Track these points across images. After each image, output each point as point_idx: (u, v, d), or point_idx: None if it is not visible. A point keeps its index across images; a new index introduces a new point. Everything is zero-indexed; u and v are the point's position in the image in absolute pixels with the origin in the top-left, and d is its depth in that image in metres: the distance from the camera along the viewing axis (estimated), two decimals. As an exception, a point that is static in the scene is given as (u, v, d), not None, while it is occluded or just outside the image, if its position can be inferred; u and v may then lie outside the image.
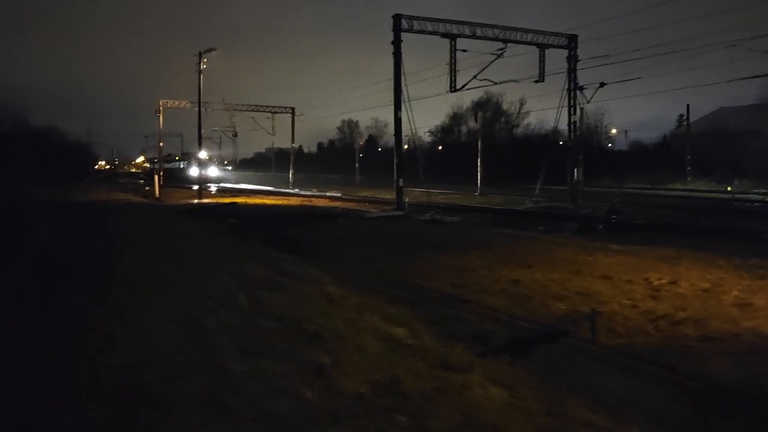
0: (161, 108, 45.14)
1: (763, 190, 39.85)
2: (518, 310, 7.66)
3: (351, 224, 17.98)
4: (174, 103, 44.76)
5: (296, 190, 40.88)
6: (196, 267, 7.80)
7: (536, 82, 23.30)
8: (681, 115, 76.09)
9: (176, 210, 21.70)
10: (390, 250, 13.41)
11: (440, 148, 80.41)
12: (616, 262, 10.99)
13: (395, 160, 20.90)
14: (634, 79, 21.69)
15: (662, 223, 17.73)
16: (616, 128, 72.87)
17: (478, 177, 32.68)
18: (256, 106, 47.59)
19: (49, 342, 4.56)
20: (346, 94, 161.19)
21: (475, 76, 22.15)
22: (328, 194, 35.07)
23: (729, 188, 42.75)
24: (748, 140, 46.12)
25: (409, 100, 19.71)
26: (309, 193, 37.02)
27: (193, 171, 49.44)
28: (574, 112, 23.63)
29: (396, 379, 4.01)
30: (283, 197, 32.37)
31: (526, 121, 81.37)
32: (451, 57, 21.36)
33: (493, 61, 21.81)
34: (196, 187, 38.38)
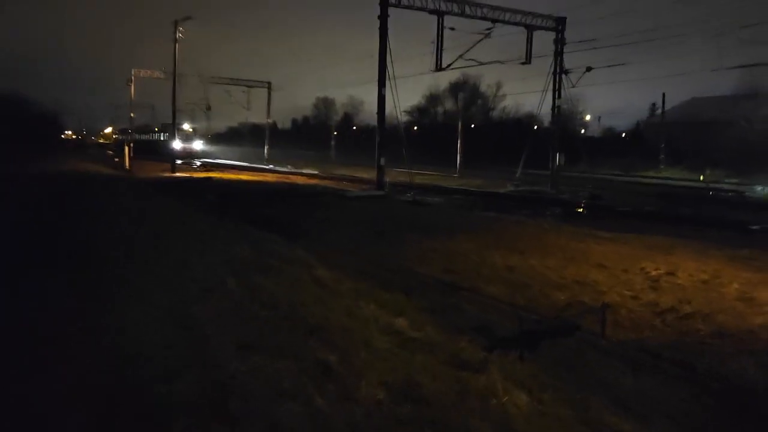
0: (133, 78, 43.57)
1: (734, 180, 40.55)
2: (518, 298, 7.35)
3: (333, 203, 17.52)
4: (147, 72, 43.25)
5: (271, 166, 40.09)
6: (179, 248, 7.29)
7: (522, 63, 22.95)
8: (653, 104, 76.77)
9: (149, 184, 20.90)
10: (375, 231, 13.02)
11: (415, 128, 79.90)
12: (608, 250, 10.79)
13: (377, 139, 20.40)
14: (620, 64, 21.54)
15: (645, 210, 17.68)
16: (589, 114, 73.33)
17: (458, 159, 32.36)
18: (231, 79, 46.36)
19: (23, 338, 4.06)
20: (322, 71, 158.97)
21: (461, 56, 21.68)
22: (304, 171, 34.43)
23: (702, 177, 43.32)
24: (721, 130, 46.73)
25: (394, 78, 19.20)
26: (285, 169, 36.31)
27: (176, 144, 46.21)
28: (559, 96, 23.40)
29: (412, 382, 3.64)
30: (258, 173, 31.67)
31: (502, 104, 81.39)
32: (438, 35, 20.82)
33: (480, 40, 21.37)
34: (179, 162, 37.57)
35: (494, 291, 7.61)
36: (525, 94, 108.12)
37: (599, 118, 76.68)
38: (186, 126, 51.76)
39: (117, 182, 21.13)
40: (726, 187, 34.67)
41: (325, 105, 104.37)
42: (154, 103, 69.86)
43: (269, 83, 46.82)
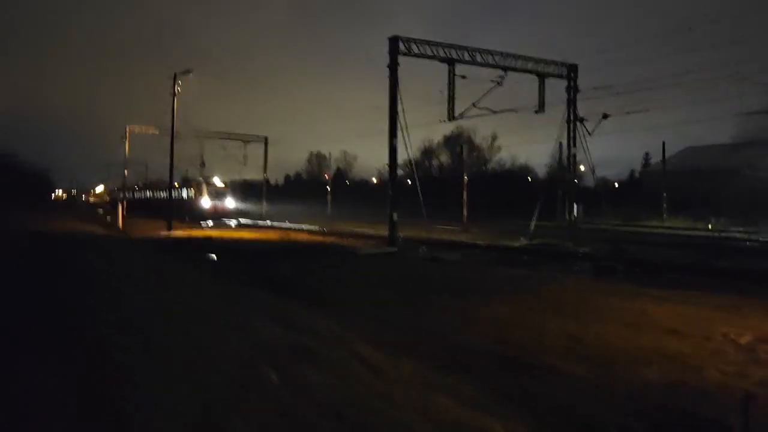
0: (127, 134, 42.82)
1: (740, 228, 39.79)
2: (604, 379, 6.09)
3: (345, 262, 16.32)
4: (141, 128, 42.57)
5: (268, 222, 38.94)
6: (193, 325, 6.03)
7: (536, 112, 22.30)
8: (647, 153, 77.52)
9: (146, 245, 19.63)
10: (400, 293, 11.81)
11: (409, 181, 79.55)
12: (670, 312, 9.60)
13: (390, 193, 19.40)
14: (639, 111, 20.88)
15: (681, 263, 16.54)
16: (583, 165, 73.30)
17: (464, 212, 31.41)
18: (227, 133, 45.75)
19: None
20: (314, 126, 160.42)
21: (474, 104, 21.00)
22: (304, 227, 33.26)
23: (710, 226, 42.56)
24: (724, 179, 46.37)
25: (406, 128, 18.35)
26: (285, 225, 35.15)
27: (205, 202, 42.24)
28: (574, 145, 22.63)
29: None
30: (258, 230, 30.48)
31: (497, 156, 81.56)
32: (449, 83, 20.18)
33: (492, 88, 20.74)
34: (210, 223, 34.88)
35: (573, 370, 6.34)
36: (520, 145, 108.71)
37: (593, 168, 76.85)
38: (217, 180, 45.45)
39: (112, 243, 19.82)
40: (739, 235, 33.82)
41: (317, 160, 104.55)
42: (146, 159, 69.27)
43: (266, 138, 46.28)
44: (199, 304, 7.71)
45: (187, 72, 26.09)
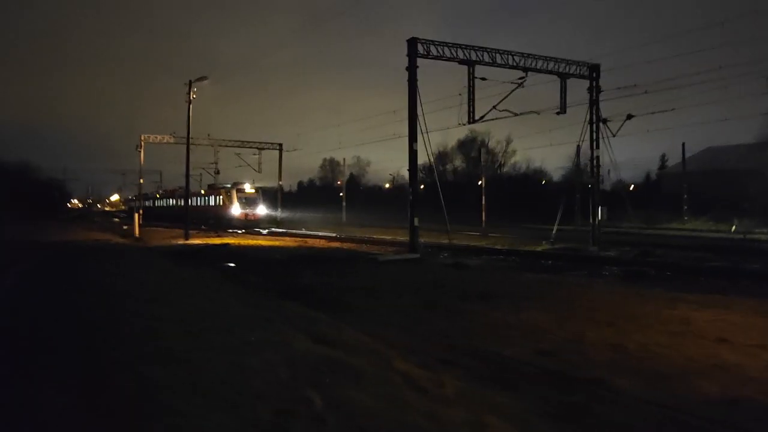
0: (142, 143, 42.88)
1: (766, 230, 38.89)
2: (660, 395, 5.68)
3: (366, 269, 15.97)
4: (156, 138, 42.61)
5: (284, 229, 38.72)
6: (220, 338, 5.71)
7: (557, 113, 21.85)
8: (664, 155, 76.37)
9: (164, 254, 19.41)
10: (426, 301, 11.44)
11: (422, 186, 79.07)
12: (714, 318, 9.15)
13: (410, 198, 19.04)
14: (664, 111, 20.36)
15: (711, 267, 16.02)
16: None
17: (483, 216, 30.95)
18: (242, 141, 45.68)
19: None
20: (326, 132, 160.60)
21: (494, 107, 20.61)
22: (321, 234, 33.00)
23: (733, 228, 41.69)
24: (747, 179, 45.47)
25: (427, 132, 18.00)
26: (301, 232, 34.90)
27: (235, 210, 40.44)
28: (597, 147, 22.12)
29: None
30: (275, 238, 30.22)
31: (512, 160, 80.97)
32: (469, 85, 19.79)
33: (514, 90, 20.32)
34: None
35: (624, 385, 5.93)
36: (535, 149, 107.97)
37: (609, 171, 75.91)
38: (247, 186, 43.12)
39: (130, 253, 19.64)
40: (765, 237, 33.02)
41: (331, 166, 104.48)
42: (160, 168, 69.54)
43: (280, 145, 46.10)
44: (224, 314, 7.39)
45: (202, 79, 25.95)
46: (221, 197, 43.20)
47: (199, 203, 47.53)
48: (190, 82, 26.06)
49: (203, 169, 50.87)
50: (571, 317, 9.64)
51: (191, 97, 26.02)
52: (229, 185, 43.77)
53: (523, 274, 15.75)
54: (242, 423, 3.56)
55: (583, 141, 22.38)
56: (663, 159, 75.62)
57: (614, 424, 4.93)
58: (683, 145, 51.48)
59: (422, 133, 17.97)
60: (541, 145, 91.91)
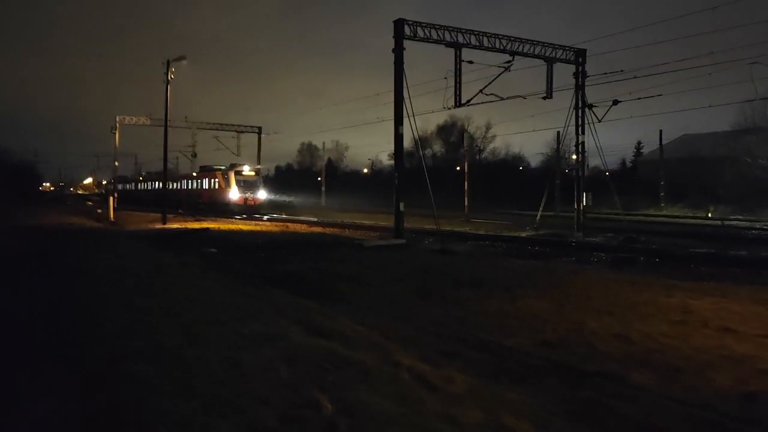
0: (117, 125, 41.69)
1: (739, 216, 39.48)
2: (675, 389, 5.45)
3: (352, 255, 15.60)
4: (132, 119, 41.44)
5: (286, 215, 37.98)
6: (213, 332, 5.32)
7: (544, 98, 21.59)
8: (639, 142, 76.98)
9: (142, 238, 18.76)
10: (417, 288, 11.14)
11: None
12: (713, 306, 9.01)
13: (395, 183, 18.65)
14: (652, 96, 20.22)
15: (699, 254, 15.99)
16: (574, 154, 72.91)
17: (465, 202, 30.74)
18: (220, 124, 44.71)
19: None
20: (304, 116, 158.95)
21: (481, 90, 20.26)
22: (302, 218, 32.52)
23: (709, 214, 42.23)
24: (722, 167, 45.98)
25: (413, 115, 17.59)
26: (282, 217, 34.34)
27: (233, 194, 37.20)
28: (582, 132, 21.95)
29: None
30: (254, 222, 29.64)
31: (492, 146, 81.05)
32: (455, 68, 19.41)
33: (500, 74, 19.99)
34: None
35: (638, 378, 5.67)
36: (514, 135, 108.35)
37: (585, 156, 76.13)
38: (247, 168, 39.66)
39: (106, 237, 18.95)
40: (742, 224, 33.44)
41: (309, 151, 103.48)
42: (136, 151, 67.99)
43: (260, 128, 45.23)
44: (212, 304, 6.98)
45: (180, 59, 25.13)
46: (217, 180, 39.99)
47: (190, 186, 45.05)
48: (168, 62, 25.23)
49: (180, 152, 49.84)
50: (568, 305, 9.43)
51: (169, 77, 25.20)
52: (224, 167, 41.40)
53: (511, 260, 15.57)
54: (244, 429, 3.19)
55: (568, 126, 22.21)
56: (638, 146, 76.27)
57: (633, 423, 4.67)
58: (660, 132, 52.03)
59: (408, 117, 17.56)
60: (520, 131, 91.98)
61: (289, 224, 28.02)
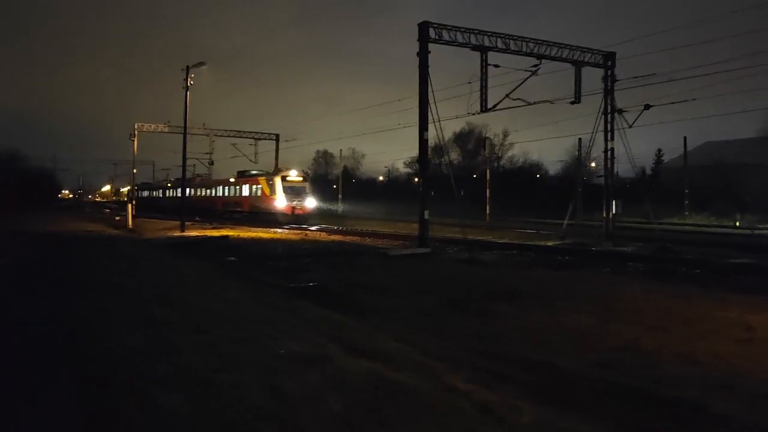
0: (136, 132, 41.61)
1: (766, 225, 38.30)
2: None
3: (377, 264, 15.04)
4: (150, 126, 41.35)
5: (337, 226, 37.33)
6: (245, 352, 4.79)
7: (572, 103, 20.96)
8: (659, 150, 75.78)
9: (161, 246, 18.37)
10: (449, 300, 10.54)
11: (416, 180, 78.09)
12: (778, 323, 8.30)
13: (420, 189, 18.08)
14: (686, 101, 19.51)
15: (742, 264, 15.21)
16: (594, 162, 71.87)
17: (487, 209, 30.05)
18: (238, 131, 44.49)
19: None
20: (319, 123, 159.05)
21: (507, 95, 19.68)
22: (322, 227, 32.04)
23: (737, 223, 41.10)
24: (748, 174, 44.88)
25: (439, 120, 17.04)
26: (302, 225, 33.87)
27: (280, 202, 33.89)
28: (612, 138, 21.25)
29: None
30: (274, 230, 29.19)
31: (510, 153, 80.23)
32: (482, 72, 18.86)
33: (528, 78, 19.41)
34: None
35: (724, 408, 5.03)
36: (531, 143, 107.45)
37: (633, 163, 74.71)
38: (293, 174, 35.89)
39: (125, 245, 18.57)
40: (773, 233, 32.36)
41: (324, 158, 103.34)
42: (153, 159, 68.12)
43: (277, 135, 44.94)
44: (241, 321, 6.45)
45: (200, 64, 24.86)
46: (260, 187, 36.55)
47: (227, 194, 41.69)
48: (188, 68, 24.96)
49: (197, 159, 49.61)
50: (615, 320, 8.79)
51: (189, 83, 24.92)
52: (261, 172, 39.21)
53: (542, 270, 14.91)
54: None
55: (596, 132, 21.54)
56: (659, 153, 75.11)
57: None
58: (685, 138, 50.75)
59: (434, 122, 17.01)
60: (537, 138, 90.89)
61: (307, 233, 27.53)
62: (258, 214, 36.15)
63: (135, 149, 41.70)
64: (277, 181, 34.91)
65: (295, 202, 34.32)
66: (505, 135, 78.05)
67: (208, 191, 45.30)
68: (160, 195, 58.71)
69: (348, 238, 24.18)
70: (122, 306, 7.03)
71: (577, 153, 54.00)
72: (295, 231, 27.74)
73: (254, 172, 40.65)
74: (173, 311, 6.73)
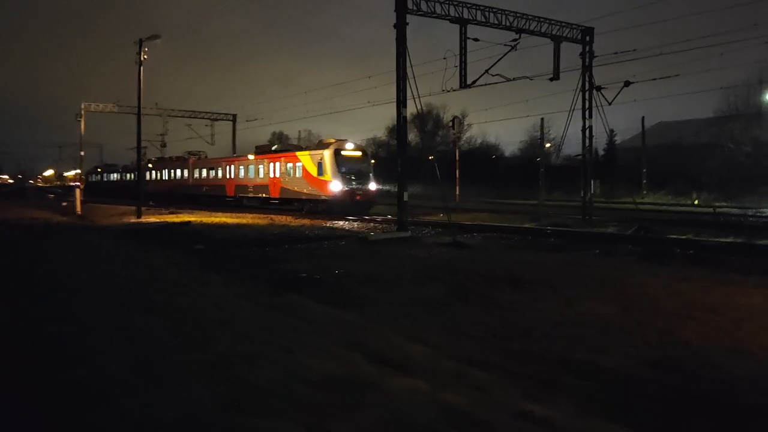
0: (83, 112, 39.07)
1: (725, 203, 39.13)
2: None
3: (359, 250, 14.14)
4: (99, 106, 38.89)
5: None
6: (261, 375, 3.81)
7: (551, 79, 20.35)
8: (612, 130, 76.93)
9: (120, 235, 16.92)
10: (451, 289, 9.76)
11: (373, 162, 76.79)
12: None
13: (399, 170, 17.16)
14: (671, 76, 19.15)
15: (730, 244, 14.99)
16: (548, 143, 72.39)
17: (457, 191, 29.44)
18: (193, 111, 42.46)
19: None
20: (274, 104, 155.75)
21: (487, 71, 18.90)
22: (286, 209, 30.78)
23: (696, 201, 41.84)
24: (705, 154, 45.73)
25: (419, 97, 16.09)
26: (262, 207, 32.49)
27: (335, 185, 25.28)
28: (590, 116, 20.80)
29: None
30: (234, 213, 27.75)
31: (467, 134, 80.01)
32: (461, 46, 17.99)
33: (507, 53, 18.66)
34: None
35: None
36: (489, 123, 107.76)
37: (559, 146, 75.87)
38: (350, 146, 27.44)
39: (79, 233, 17.02)
40: (734, 211, 32.93)
41: (281, 140, 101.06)
42: (102, 141, 64.82)
43: (234, 116, 43.14)
44: (239, 327, 5.44)
45: (154, 37, 23.05)
46: (298, 165, 28.02)
47: (241, 175, 33.95)
48: (141, 41, 23.15)
49: (149, 141, 47.22)
50: (635, 309, 8.19)
51: (141, 58, 23.13)
52: (292, 147, 33.14)
53: (533, 253, 14.29)
54: None
55: (573, 110, 21.04)
56: (611, 134, 76.27)
57: None
58: (642, 118, 51.57)
59: (413, 98, 16.07)
60: (495, 119, 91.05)
61: (272, 216, 26.27)
62: (297, 200, 28.44)
63: (82, 130, 39.19)
64: (329, 156, 25.91)
65: (354, 185, 25.79)
66: (464, 116, 77.70)
67: (212, 173, 37.40)
68: (119, 179, 53.78)
69: (316, 222, 23.08)
70: (92, 313, 5.89)
71: (537, 133, 54.22)
72: (260, 215, 26.38)
73: (296, 146, 33.58)
74: (155, 318, 5.65)
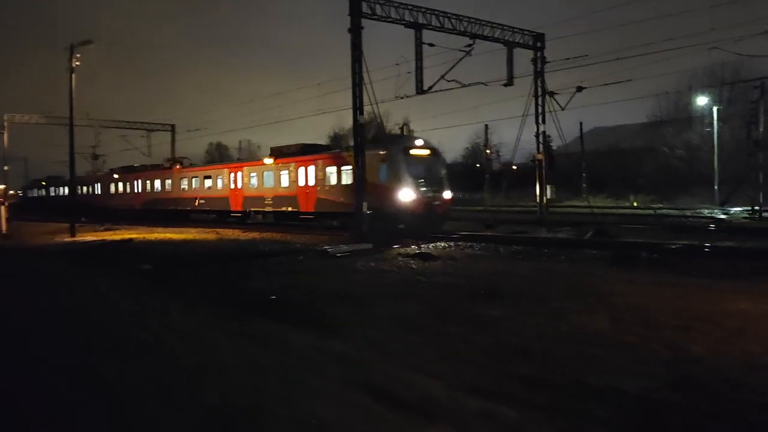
0: (6, 124, 36.39)
1: (661, 205, 40.56)
2: None
3: (322, 266, 13.39)
4: (24, 117, 36.33)
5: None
6: (246, 418, 3.06)
7: (505, 85, 20.23)
8: (548, 136, 79.13)
9: (55, 255, 15.45)
10: (430, 307, 9.23)
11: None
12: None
13: (357, 177, 16.46)
14: (622, 81, 19.37)
15: (693, 247, 15.10)
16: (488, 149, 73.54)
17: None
18: (129, 122, 40.35)
19: None
20: (210, 114, 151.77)
21: (442, 76, 18.53)
22: (229, 223, 29.51)
23: (635, 204, 43.15)
24: (640, 158, 47.38)
25: (376, 103, 15.50)
26: (208, 219, 31.06)
27: (406, 194, 18.97)
28: (543, 121, 20.80)
29: None
30: (179, 228, 26.31)
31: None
32: (416, 51, 17.57)
33: (462, 58, 18.37)
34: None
35: None
36: (431, 131, 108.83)
37: (498, 152, 77.19)
38: (419, 143, 20.99)
39: (8, 256, 15.45)
40: (673, 212, 33.99)
41: (218, 150, 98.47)
42: (24, 154, 61.10)
43: (173, 126, 41.33)
44: (227, 371, 4.64)
45: (86, 43, 21.50)
46: (347, 169, 20.96)
47: (257, 184, 27.65)
48: (72, 47, 21.55)
49: (79, 153, 44.54)
50: (626, 321, 7.88)
51: (73, 64, 21.52)
52: (327, 146, 27.41)
53: (502, 262, 13.98)
54: None
55: (526, 115, 21.00)
56: (547, 139, 78.16)
57: None
58: (581, 124, 52.67)
59: (372, 104, 15.49)
60: (441, 126, 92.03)
61: (218, 230, 25.05)
62: (337, 217, 21.95)
63: (5, 142, 36.41)
64: (396, 155, 19.76)
65: (429, 194, 19.83)
66: (405, 124, 77.82)
67: (207, 182, 31.75)
68: (81, 192, 43.61)
69: (266, 235, 22.05)
70: (39, 360, 4.90)
71: (480, 140, 54.87)
72: (207, 229, 25.08)
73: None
74: (114, 363, 4.75)
